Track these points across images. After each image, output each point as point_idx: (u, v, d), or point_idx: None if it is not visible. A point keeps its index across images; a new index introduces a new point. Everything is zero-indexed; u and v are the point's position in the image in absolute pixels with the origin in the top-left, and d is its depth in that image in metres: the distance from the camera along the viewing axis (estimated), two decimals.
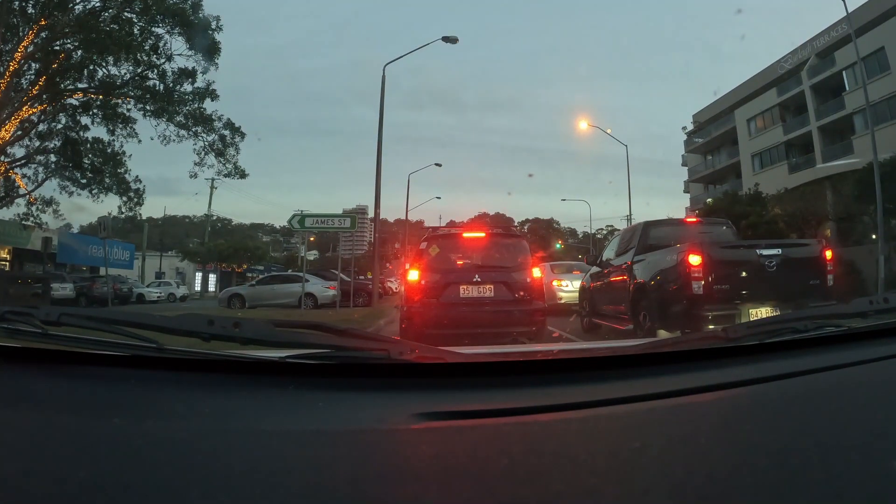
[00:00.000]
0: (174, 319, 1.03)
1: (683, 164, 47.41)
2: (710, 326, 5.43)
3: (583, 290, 9.87)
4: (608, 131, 29.99)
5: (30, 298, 17.97)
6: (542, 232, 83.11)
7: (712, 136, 40.80)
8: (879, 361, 1.13)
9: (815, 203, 24.35)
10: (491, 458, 0.75)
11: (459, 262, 6.62)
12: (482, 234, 7.10)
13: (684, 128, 47.56)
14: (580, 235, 73.32)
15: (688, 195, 46.59)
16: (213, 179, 40.34)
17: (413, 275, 6.40)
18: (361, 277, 27.23)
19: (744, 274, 5.82)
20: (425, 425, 0.82)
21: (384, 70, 19.21)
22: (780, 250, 6.03)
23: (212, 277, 38.71)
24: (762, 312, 5.60)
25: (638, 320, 6.62)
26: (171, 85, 18.44)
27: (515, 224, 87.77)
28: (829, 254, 6.11)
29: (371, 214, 21.35)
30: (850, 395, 1.01)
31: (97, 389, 0.94)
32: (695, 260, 5.71)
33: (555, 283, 13.53)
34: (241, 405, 0.89)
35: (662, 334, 5.83)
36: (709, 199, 32.50)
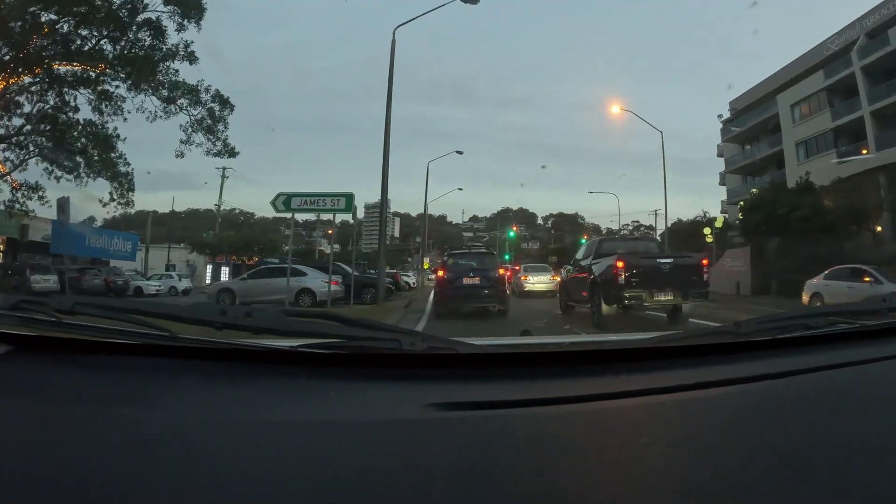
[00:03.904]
0: (187, 309, 1.06)
1: (719, 155, 44.74)
2: (628, 302, 9.67)
3: (562, 282, 14.54)
4: (642, 119, 28.56)
5: (9, 291, 16.76)
6: (567, 227, 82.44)
7: (751, 124, 38.57)
8: (892, 359, 1.12)
9: (869, 194, 23.07)
10: (501, 449, 0.77)
11: (463, 266, 13.18)
12: (473, 252, 15.13)
13: (720, 116, 44.84)
14: (604, 231, 70.99)
15: (724, 188, 44.25)
16: (223, 169, 39.15)
17: (441, 273, 13.46)
18: (372, 272, 25.89)
19: (648, 273, 9.82)
20: (437, 416, 0.84)
21: (394, 33, 17.61)
22: (672, 260, 10.41)
23: (224, 270, 37.52)
24: (662, 296, 9.83)
25: (593, 300, 10.60)
26: (147, 48, 16.99)
27: (540, 219, 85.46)
28: (705, 262, 10.54)
29: (393, 208, 20.43)
30: (862, 393, 1.03)
31: (110, 378, 0.96)
32: (619, 265, 9.73)
33: (523, 278, 22.52)
34: (254, 394, 0.91)
35: (605, 309, 9.96)
36: (753, 190, 30.64)
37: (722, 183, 44.74)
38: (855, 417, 0.91)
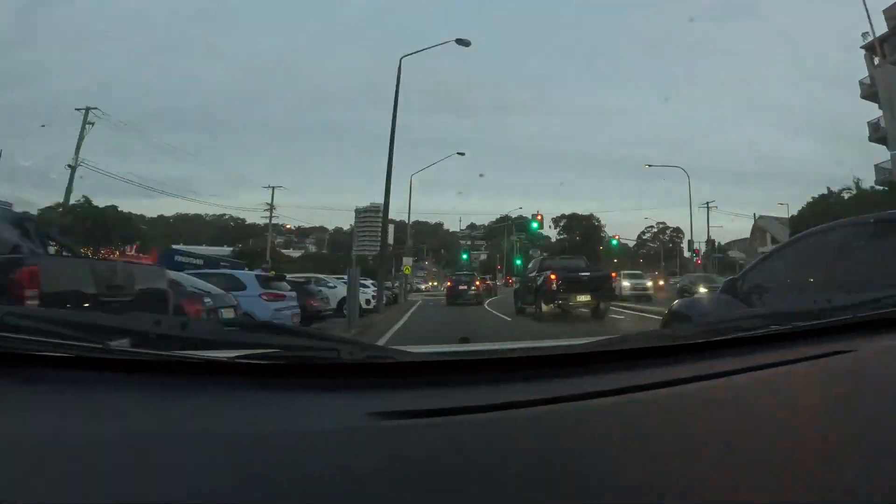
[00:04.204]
0: (121, 319, 1.04)
1: (866, 97, 31.89)
2: (560, 302, 15.36)
3: (515, 290, 21.39)
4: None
5: None
6: (582, 229, 79.67)
7: None
8: (823, 358, 1.17)
9: None
10: (443, 456, 0.78)
11: (460, 280, 29.39)
12: (466, 274, 33.43)
13: (864, 34, 31.49)
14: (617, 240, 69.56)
15: (880, 148, 30.96)
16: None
17: (448, 284, 30.59)
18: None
19: (572, 282, 15.16)
20: (379, 424, 0.84)
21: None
22: (588, 273, 15.87)
23: None
24: (581, 298, 15.14)
25: (536, 302, 15.77)
26: None
27: (550, 220, 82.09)
28: (613, 275, 17.42)
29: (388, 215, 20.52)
30: (793, 391, 1.06)
31: (39, 391, 0.93)
32: (552, 277, 15.07)
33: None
34: (192, 407, 0.89)
35: (544, 308, 15.49)
36: None
37: (874, 138, 31.53)
38: (789, 415, 0.95)
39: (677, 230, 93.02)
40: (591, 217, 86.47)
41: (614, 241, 62.89)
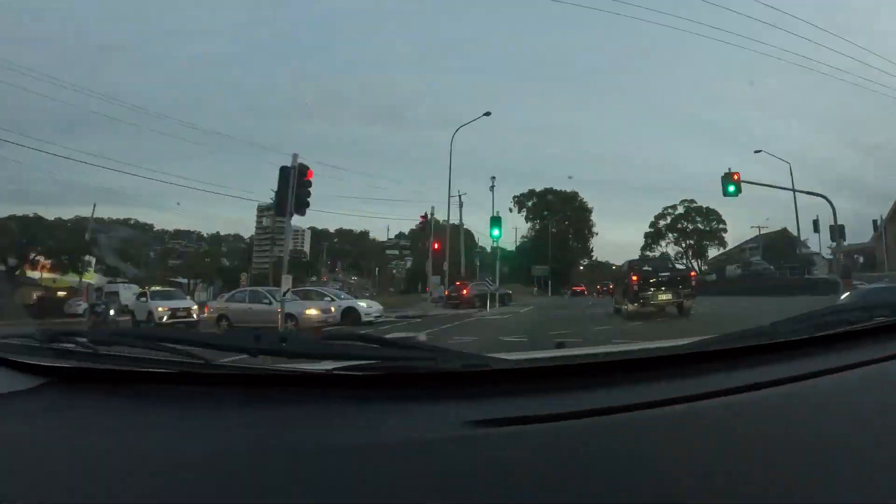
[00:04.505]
0: (221, 336, 1.11)
1: None
2: (643, 300, 15.76)
3: (610, 290, 25.20)
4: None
5: None
6: (565, 213, 67.79)
7: None
8: None
9: None
10: (541, 463, 0.78)
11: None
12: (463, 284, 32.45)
13: None
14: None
15: None
16: None
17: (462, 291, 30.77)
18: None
19: (653, 281, 15.81)
20: (477, 433, 0.84)
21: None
22: (668, 273, 16.37)
23: None
24: (663, 296, 15.33)
25: (624, 300, 17.09)
26: None
27: (512, 201, 72.27)
28: (693, 274, 18.25)
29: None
30: None
31: (147, 407, 0.97)
32: (634, 279, 15.84)
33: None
34: (292, 419, 0.92)
35: (631, 307, 16.06)
36: None
37: None
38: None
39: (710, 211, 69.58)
40: (574, 197, 70.92)
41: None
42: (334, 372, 0.98)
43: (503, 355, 1.20)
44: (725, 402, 0.92)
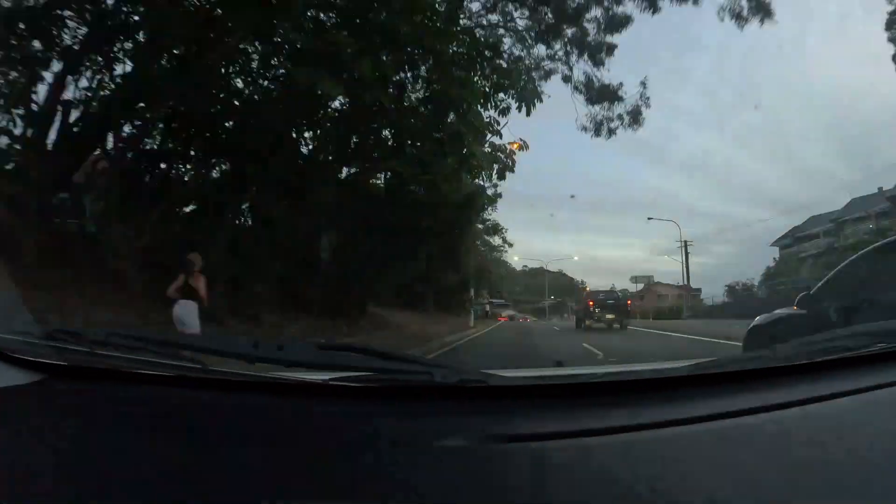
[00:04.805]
0: (219, 341, 1.10)
1: None
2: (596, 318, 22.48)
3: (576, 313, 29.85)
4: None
5: None
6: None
7: None
8: None
9: None
10: (538, 480, 0.78)
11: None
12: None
13: None
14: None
15: None
16: None
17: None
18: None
19: (601, 305, 22.74)
20: (471, 448, 0.84)
21: None
22: (612, 301, 23.03)
23: None
24: (609, 315, 21.79)
25: (581, 319, 24.06)
26: None
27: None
28: (629, 301, 27.38)
29: None
30: None
31: (142, 408, 0.96)
32: (590, 303, 23.06)
33: None
34: (286, 427, 0.91)
35: (587, 322, 22.64)
36: None
37: None
38: (892, 439, 0.90)
39: None
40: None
41: None
42: (331, 382, 0.98)
43: (502, 372, 1.19)
44: (722, 425, 0.92)
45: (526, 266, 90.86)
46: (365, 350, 1.11)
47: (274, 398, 0.99)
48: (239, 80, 11.49)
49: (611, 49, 15.74)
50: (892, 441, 0.90)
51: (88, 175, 10.78)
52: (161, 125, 11.36)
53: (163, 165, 12.15)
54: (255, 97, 11.28)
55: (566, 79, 16.13)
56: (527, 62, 15.65)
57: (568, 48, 15.89)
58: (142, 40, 10.06)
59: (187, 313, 6.08)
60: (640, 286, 56.40)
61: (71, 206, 10.77)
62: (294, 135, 12.35)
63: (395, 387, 1.01)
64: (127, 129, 10.69)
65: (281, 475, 0.76)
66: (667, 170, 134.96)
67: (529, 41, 15.57)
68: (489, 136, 13.34)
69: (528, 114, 11.91)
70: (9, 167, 8.95)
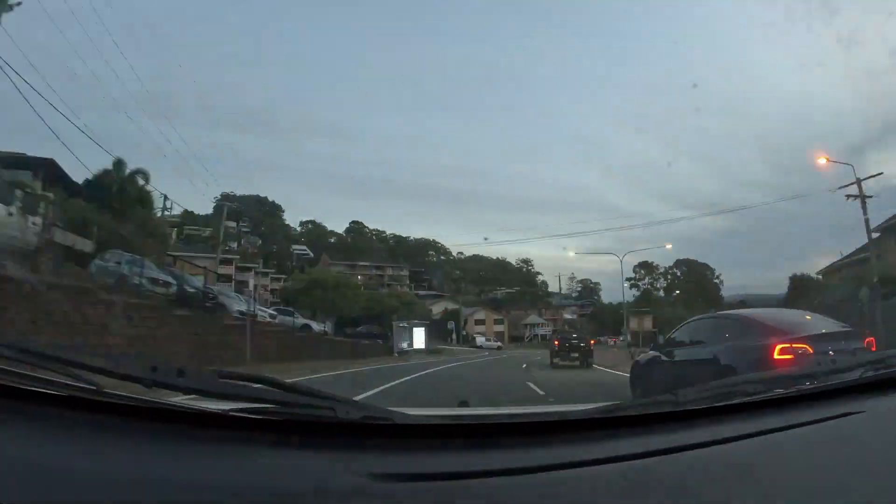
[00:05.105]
0: (116, 361, 1.04)
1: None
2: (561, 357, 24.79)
3: (550, 349, 28.06)
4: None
5: None
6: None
7: None
8: (832, 420, 1.17)
9: None
10: None
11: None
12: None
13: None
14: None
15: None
16: None
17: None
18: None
19: (568, 345, 25.69)
20: (372, 486, 0.83)
21: None
22: (576, 341, 25.82)
23: None
24: (574, 354, 24.72)
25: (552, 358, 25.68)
26: None
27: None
28: (592, 342, 27.70)
29: None
30: (805, 454, 1.05)
31: (28, 429, 0.91)
32: (556, 343, 26.59)
33: None
34: (181, 456, 0.89)
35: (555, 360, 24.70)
36: None
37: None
38: (800, 478, 0.95)
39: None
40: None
41: None
42: (231, 413, 0.95)
43: (406, 410, 1.20)
44: (619, 468, 0.94)
45: (462, 252, 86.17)
46: (268, 381, 1.08)
47: (170, 426, 0.94)
48: None
49: None
50: (796, 480, 0.94)
51: None
52: None
53: None
54: None
55: None
56: None
57: None
58: None
59: None
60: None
61: None
62: None
63: (296, 421, 0.99)
64: None
65: None
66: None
67: None
68: None
69: None
70: None
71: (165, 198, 26.78)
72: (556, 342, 26.34)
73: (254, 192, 74.30)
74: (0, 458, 0.81)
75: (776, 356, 5.64)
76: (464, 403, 1.63)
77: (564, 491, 0.87)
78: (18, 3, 13.29)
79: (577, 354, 24.47)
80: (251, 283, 46.10)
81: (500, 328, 71.77)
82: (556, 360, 24.51)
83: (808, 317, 7.33)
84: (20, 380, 0.97)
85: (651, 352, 8.99)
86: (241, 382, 1.08)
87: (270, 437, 0.95)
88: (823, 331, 6.20)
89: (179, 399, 0.99)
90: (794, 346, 5.65)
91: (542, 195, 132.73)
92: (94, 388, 0.96)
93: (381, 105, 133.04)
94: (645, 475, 0.93)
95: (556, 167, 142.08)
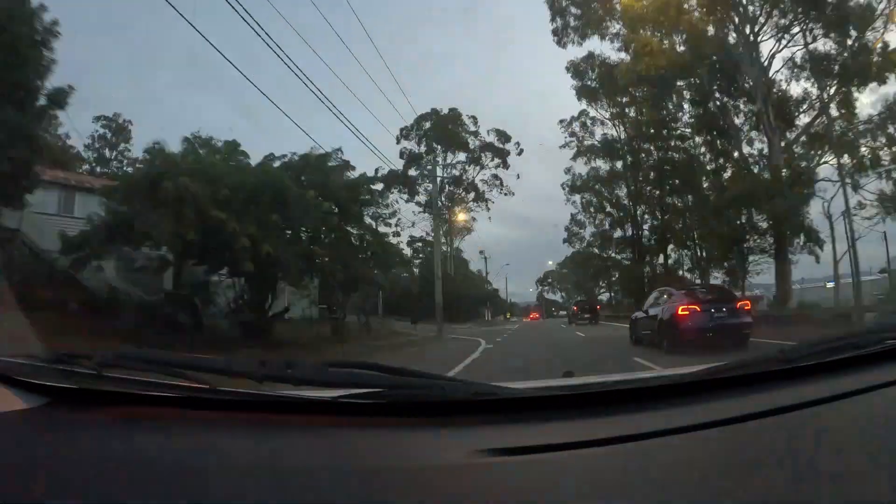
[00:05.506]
0: (227, 361, 1.08)
1: None
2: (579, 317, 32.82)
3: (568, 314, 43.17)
4: None
5: None
6: None
7: None
8: None
9: None
10: (549, 492, 0.78)
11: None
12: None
13: None
14: None
15: None
16: None
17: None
18: None
19: (582, 308, 37.48)
20: (485, 461, 0.83)
21: None
22: (587, 305, 38.61)
23: None
24: (586, 315, 34.67)
25: (572, 319, 37.85)
26: None
27: None
28: (598, 306, 40.37)
29: None
30: None
31: (151, 431, 0.96)
32: (575, 308, 40.22)
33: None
34: (298, 445, 0.91)
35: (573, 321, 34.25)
36: None
37: None
38: None
39: None
40: None
41: None
42: (340, 400, 0.98)
43: (511, 384, 1.21)
44: (737, 429, 0.93)
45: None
46: (374, 366, 1.09)
47: (283, 416, 0.98)
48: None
49: None
50: None
51: None
52: None
53: None
54: None
55: None
56: None
57: None
58: None
59: None
60: None
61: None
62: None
63: (405, 402, 1.01)
64: None
65: (296, 491, 0.78)
66: None
67: None
68: None
69: None
70: None
71: None
72: (575, 307, 38.40)
73: None
74: (124, 462, 0.84)
75: (679, 312, 10.40)
76: (568, 374, 1.60)
77: (671, 456, 0.86)
78: None
79: (588, 315, 34.28)
80: None
81: None
82: (574, 320, 34.81)
83: (714, 290, 13.70)
84: (141, 386, 1.02)
85: (638, 312, 14.21)
86: (349, 369, 1.10)
87: (380, 420, 0.97)
88: (709, 298, 11.09)
89: (290, 391, 1.02)
90: (689, 307, 10.43)
91: None
92: (209, 386, 0.99)
93: None
94: (753, 436, 0.92)
95: None
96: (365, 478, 0.80)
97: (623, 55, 24.95)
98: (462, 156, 42.55)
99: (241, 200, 12.09)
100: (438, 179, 36.35)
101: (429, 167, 38.18)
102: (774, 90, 21.90)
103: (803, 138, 21.80)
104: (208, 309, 14.77)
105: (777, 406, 0.99)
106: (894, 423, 0.98)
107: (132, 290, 14.10)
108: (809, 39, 20.23)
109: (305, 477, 0.81)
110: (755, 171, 22.37)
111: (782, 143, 21.30)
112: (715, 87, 23.04)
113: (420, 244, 42.30)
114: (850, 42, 19.32)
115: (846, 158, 18.82)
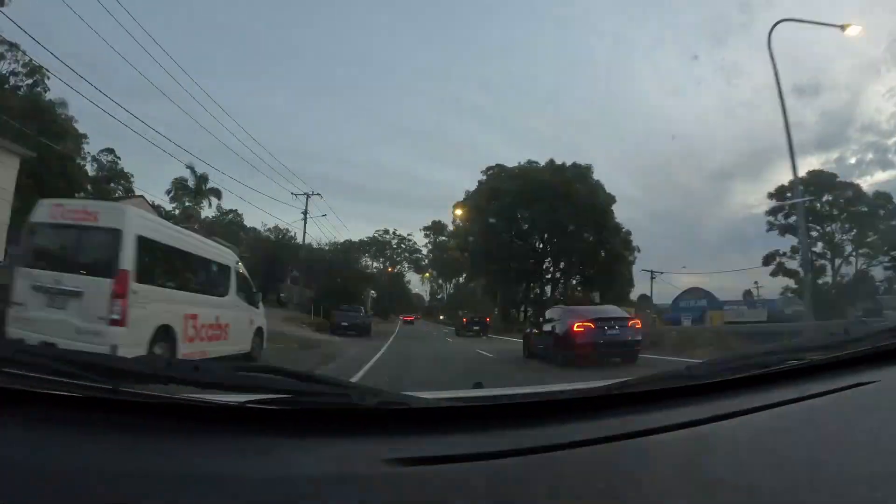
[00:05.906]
0: (131, 361, 1.03)
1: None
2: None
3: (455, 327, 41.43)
4: None
5: None
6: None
7: None
8: (844, 391, 1.17)
9: None
10: (456, 502, 0.78)
11: None
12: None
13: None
14: None
15: None
16: None
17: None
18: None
19: (470, 322, 36.59)
20: (390, 471, 0.83)
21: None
22: (477, 320, 36.80)
23: None
24: (474, 328, 34.91)
25: (460, 332, 36.31)
26: None
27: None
28: (488, 318, 38.61)
29: None
30: (818, 426, 1.05)
31: (47, 432, 0.90)
32: (464, 321, 38.29)
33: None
34: (201, 450, 0.89)
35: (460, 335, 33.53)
36: None
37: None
38: (812, 450, 0.95)
39: None
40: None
41: None
42: (246, 405, 0.95)
43: (422, 394, 1.21)
44: (633, 443, 0.95)
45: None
46: (284, 372, 1.08)
47: (188, 422, 0.95)
48: None
49: None
50: (809, 451, 0.95)
51: None
52: None
53: None
54: None
55: None
56: None
57: None
58: None
59: None
60: None
61: None
62: None
63: (312, 409, 1.00)
64: None
65: (200, 499, 0.75)
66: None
67: None
68: None
69: None
70: None
71: None
72: (464, 319, 37.07)
73: None
74: (17, 464, 0.80)
75: (575, 329, 11.11)
76: (478, 385, 1.61)
77: (579, 469, 0.88)
78: None
79: (477, 328, 34.27)
80: None
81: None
82: (462, 332, 34.27)
83: (606, 308, 13.83)
84: (38, 384, 0.96)
85: (533, 328, 14.69)
86: (257, 374, 1.08)
87: (287, 426, 0.95)
88: (603, 315, 11.86)
89: (196, 395, 0.99)
90: (584, 323, 11.13)
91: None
92: (111, 387, 0.94)
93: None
94: (659, 450, 0.94)
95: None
96: (271, 486, 0.79)
97: None
98: None
99: None
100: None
101: None
102: None
103: None
104: None
105: (682, 421, 1.03)
106: (798, 437, 1.03)
107: None
108: None
109: (209, 485, 0.79)
110: None
111: None
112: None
113: None
114: None
115: None
